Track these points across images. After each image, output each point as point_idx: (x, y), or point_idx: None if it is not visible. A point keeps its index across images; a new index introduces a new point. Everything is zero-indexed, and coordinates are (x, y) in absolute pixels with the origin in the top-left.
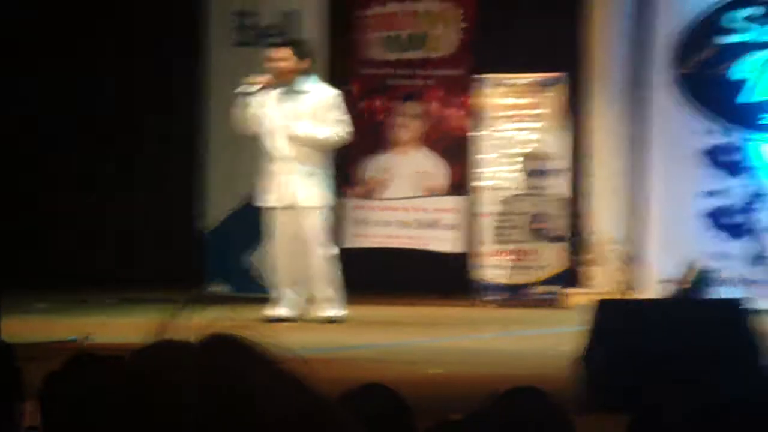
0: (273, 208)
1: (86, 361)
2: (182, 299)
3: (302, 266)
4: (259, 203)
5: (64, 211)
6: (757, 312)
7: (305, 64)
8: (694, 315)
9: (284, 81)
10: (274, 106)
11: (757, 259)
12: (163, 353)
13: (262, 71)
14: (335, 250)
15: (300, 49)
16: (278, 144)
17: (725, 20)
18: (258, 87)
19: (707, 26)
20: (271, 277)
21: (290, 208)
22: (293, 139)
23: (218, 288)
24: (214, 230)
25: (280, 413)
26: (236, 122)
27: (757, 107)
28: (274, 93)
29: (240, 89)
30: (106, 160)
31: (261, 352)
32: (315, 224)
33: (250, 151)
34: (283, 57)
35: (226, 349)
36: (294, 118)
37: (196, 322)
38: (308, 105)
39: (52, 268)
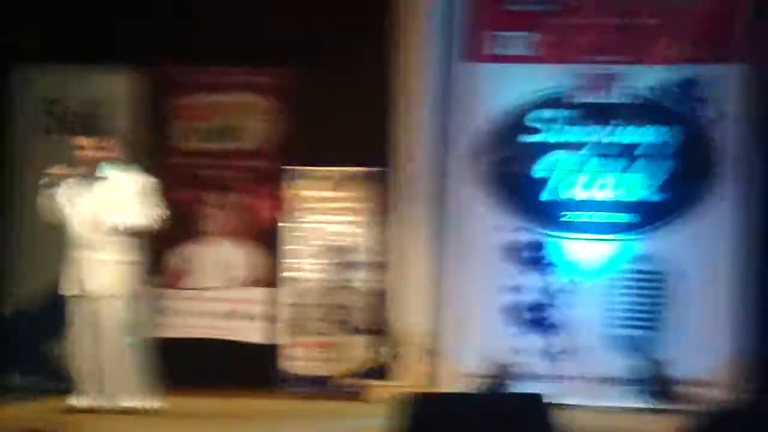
0: (73, 296)
1: None
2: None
3: (102, 356)
4: (61, 291)
5: None
6: (557, 406)
7: (109, 152)
8: (497, 408)
9: (88, 169)
10: (77, 195)
11: (555, 354)
12: None
13: (70, 159)
14: (135, 340)
15: (103, 137)
16: (79, 232)
17: (528, 119)
18: (58, 176)
19: (510, 124)
20: (73, 366)
21: (89, 296)
22: (100, 228)
23: (19, 377)
24: (15, 318)
25: None
26: (43, 211)
27: (559, 205)
28: (77, 181)
29: (42, 180)
30: None
31: None
32: (113, 313)
33: (57, 238)
34: (87, 145)
35: None
36: (97, 205)
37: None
38: (112, 192)
39: None
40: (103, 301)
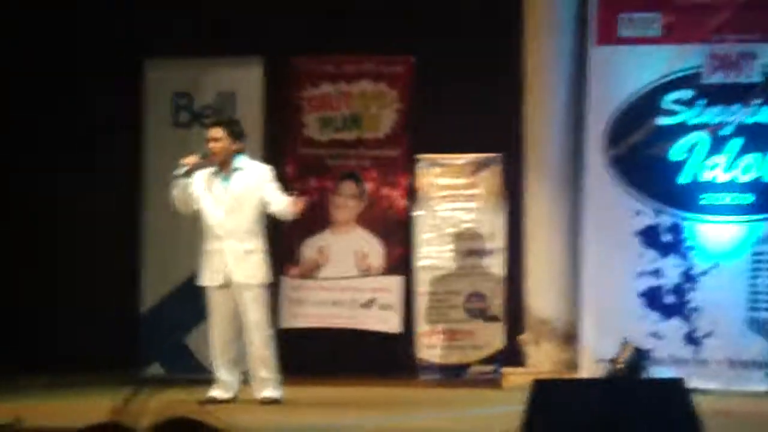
0: (211, 287)
1: None
2: (131, 383)
3: (240, 346)
4: (199, 282)
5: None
6: (697, 391)
7: (238, 144)
8: (636, 394)
9: (218, 160)
10: (209, 185)
11: (695, 338)
12: None
13: (199, 151)
14: (272, 330)
15: (232, 129)
16: (217, 223)
17: (663, 101)
18: (189, 167)
19: (645, 107)
20: (213, 357)
21: (228, 286)
22: (238, 218)
23: (155, 370)
24: (151, 311)
25: None
26: (173, 203)
27: (697, 187)
28: (209, 172)
29: (175, 171)
30: (41, 240)
31: None
32: (253, 302)
33: (188, 230)
34: (216, 137)
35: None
36: (234, 196)
37: (144, 406)
38: (242, 183)
39: None
40: (246, 290)
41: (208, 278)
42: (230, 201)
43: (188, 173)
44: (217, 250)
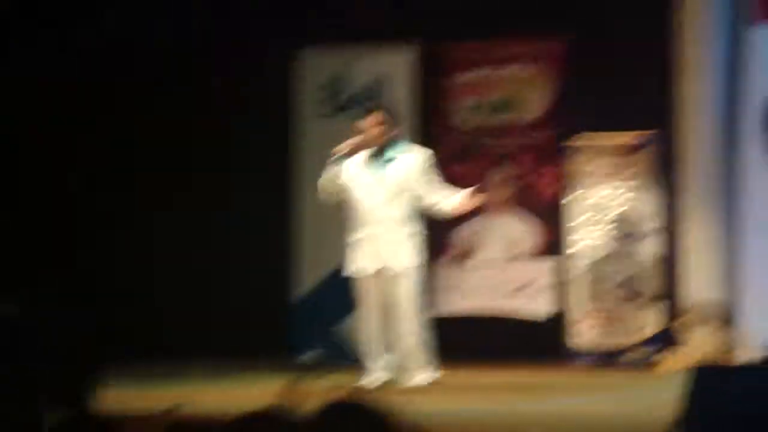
0: (362, 275)
1: (182, 430)
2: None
3: (395, 332)
4: (351, 271)
5: (151, 283)
6: None
7: (396, 130)
8: None
9: (375, 146)
10: (364, 172)
11: None
12: (263, 421)
13: (353, 137)
14: (426, 316)
15: (391, 114)
16: (368, 209)
17: None
18: (345, 152)
19: None
20: (365, 345)
21: (382, 273)
22: (394, 206)
23: (309, 358)
24: (304, 299)
25: None
26: (323, 190)
27: None
28: (364, 158)
29: (329, 159)
30: (200, 233)
31: (386, 416)
32: (407, 288)
33: (339, 219)
34: (375, 123)
35: (344, 413)
36: (389, 183)
37: (306, 391)
38: (399, 170)
39: (139, 341)
40: (401, 276)
41: (360, 266)
42: (388, 187)
43: (342, 158)
44: (370, 237)
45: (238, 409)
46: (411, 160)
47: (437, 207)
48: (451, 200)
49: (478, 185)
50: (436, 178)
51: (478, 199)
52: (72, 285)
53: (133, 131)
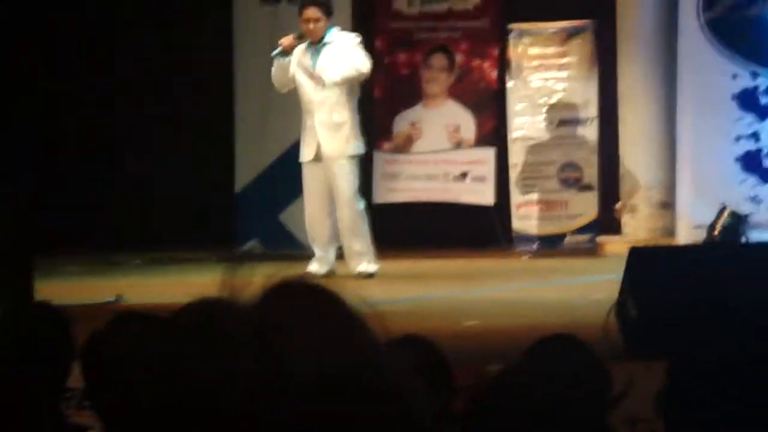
0: (305, 163)
1: (131, 319)
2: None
3: (334, 221)
4: (300, 158)
5: (89, 172)
6: None
7: (331, 20)
8: (733, 259)
9: (316, 39)
10: (303, 61)
11: None
12: (209, 308)
13: (292, 30)
14: (364, 204)
15: (327, 7)
16: (309, 97)
17: None
18: (284, 47)
19: None
20: (309, 232)
21: (320, 160)
22: (327, 87)
23: (252, 246)
24: (246, 188)
25: (322, 370)
26: (275, 80)
27: None
28: (302, 48)
29: (274, 52)
30: (136, 120)
31: (333, 296)
32: (345, 176)
33: (280, 107)
34: (314, 17)
35: (289, 295)
36: (323, 67)
37: (246, 280)
38: (330, 54)
39: (79, 231)
40: (336, 163)
41: (303, 154)
42: (320, 72)
43: (285, 53)
44: (310, 125)
45: (181, 299)
46: (341, 44)
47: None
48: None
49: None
50: (362, 53)
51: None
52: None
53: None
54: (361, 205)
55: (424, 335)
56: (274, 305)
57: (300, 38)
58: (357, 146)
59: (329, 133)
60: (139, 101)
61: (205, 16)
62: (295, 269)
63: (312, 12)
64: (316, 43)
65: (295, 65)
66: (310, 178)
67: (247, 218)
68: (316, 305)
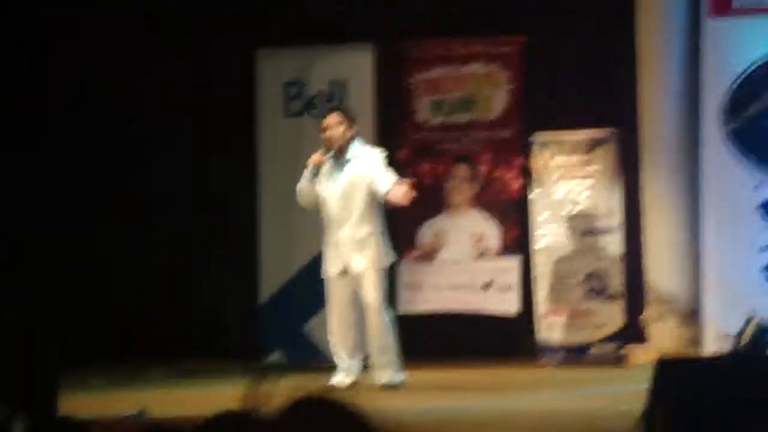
0: (330, 276)
1: None
2: (253, 370)
3: (360, 332)
4: (323, 273)
5: (112, 284)
6: None
7: (353, 130)
8: (759, 371)
9: (335, 148)
10: (328, 176)
11: None
12: (233, 421)
13: (318, 145)
14: (392, 315)
15: (348, 115)
16: (331, 213)
17: None
18: (316, 162)
19: (758, 80)
20: (333, 345)
21: (347, 273)
22: (354, 205)
23: (276, 358)
24: (270, 300)
25: None
26: (300, 197)
27: None
28: (327, 163)
29: (308, 174)
30: (163, 235)
31: (354, 413)
32: (370, 288)
33: (304, 219)
34: (333, 122)
35: (311, 411)
36: (349, 183)
37: (269, 392)
38: (355, 169)
39: (104, 344)
40: (363, 277)
41: (328, 268)
42: (344, 188)
43: (316, 172)
44: (333, 241)
45: (204, 411)
46: (366, 159)
47: (386, 197)
48: (386, 183)
49: (412, 180)
50: (387, 174)
51: (407, 188)
52: (34, 281)
53: (85, 141)
54: (391, 314)
55: None
56: (296, 420)
57: (327, 152)
58: (382, 259)
59: (355, 249)
60: (165, 211)
61: (230, 129)
62: (320, 381)
63: (331, 118)
64: (340, 158)
65: (321, 182)
66: (336, 290)
67: (271, 330)
68: (337, 422)
